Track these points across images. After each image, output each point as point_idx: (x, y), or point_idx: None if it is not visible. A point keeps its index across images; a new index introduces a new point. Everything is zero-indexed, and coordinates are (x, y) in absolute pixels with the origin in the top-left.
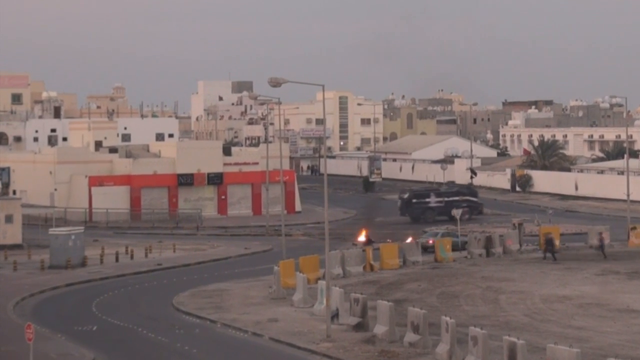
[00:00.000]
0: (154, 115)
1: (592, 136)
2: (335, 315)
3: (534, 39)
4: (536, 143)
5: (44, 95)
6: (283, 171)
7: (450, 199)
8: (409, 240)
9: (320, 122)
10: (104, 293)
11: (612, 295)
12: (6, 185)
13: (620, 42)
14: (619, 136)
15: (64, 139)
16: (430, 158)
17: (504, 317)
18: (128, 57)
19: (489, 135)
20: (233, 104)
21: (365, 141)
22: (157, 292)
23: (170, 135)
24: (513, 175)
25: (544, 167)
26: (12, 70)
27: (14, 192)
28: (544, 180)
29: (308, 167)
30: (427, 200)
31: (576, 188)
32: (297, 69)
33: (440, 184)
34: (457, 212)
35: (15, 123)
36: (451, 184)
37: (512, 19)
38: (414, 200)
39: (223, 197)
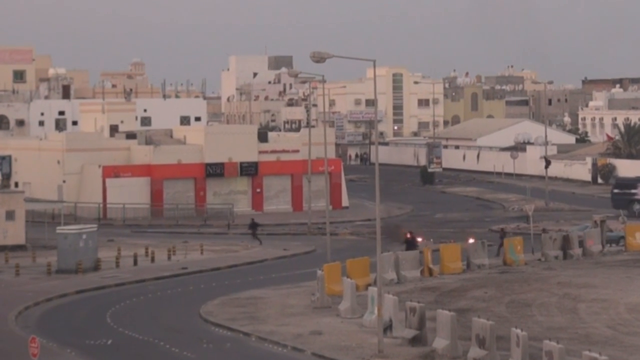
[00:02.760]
0: (177, 96)
1: None
2: (388, 327)
3: (618, 6)
4: (621, 127)
5: (51, 72)
6: (328, 160)
7: None
8: (471, 240)
9: (370, 103)
10: (120, 301)
11: None
12: (7, 176)
13: None
14: None
15: (74, 123)
16: (499, 145)
17: (584, 329)
18: (148, 28)
19: (567, 119)
20: (270, 82)
21: (423, 125)
22: (181, 300)
23: (197, 119)
24: (594, 164)
25: (630, 156)
26: (13, 44)
27: (16, 185)
28: (630, 171)
29: (357, 156)
30: (634, 191)
31: None
32: (344, 41)
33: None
34: (529, 208)
35: (18, 104)
36: None
37: None
38: (616, 191)
39: (258, 190)
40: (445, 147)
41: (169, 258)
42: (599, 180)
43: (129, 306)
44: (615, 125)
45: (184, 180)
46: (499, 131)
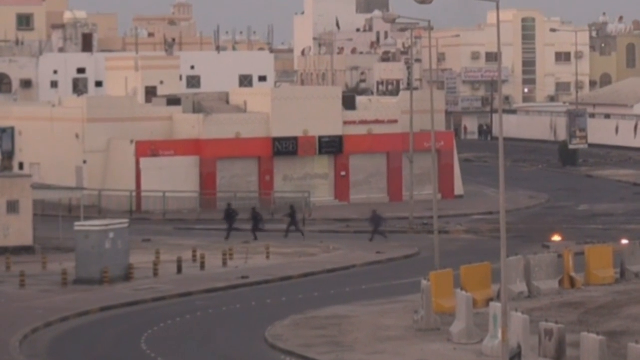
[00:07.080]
0: (235, 48)
1: None
2: (516, 355)
3: None
4: None
5: (67, 16)
6: (436, 134)
7: None
8: (625, 241)
9: (493, 57)
10: (159, 322)
11: None
12: (9, 155)
13: None
14: None
15: (98, 84)
16: None
17: None
18: None
19: None
20: (358, 30)
21: (562, 87)
22: (241, 319)
23: (262, 79)
24: None
25: None
26: None
27: (21, 167)
28: None
29: (471, 128)
30: None
31: None
32: None
33: None
34: None
35: (23, 59)
36: None
37: None
38: None
39: (343, 173)
40: (592, 116)
41: (225, 264)
42: None
43: (171, 328)
44: None
45: (245, 161)
46: None
